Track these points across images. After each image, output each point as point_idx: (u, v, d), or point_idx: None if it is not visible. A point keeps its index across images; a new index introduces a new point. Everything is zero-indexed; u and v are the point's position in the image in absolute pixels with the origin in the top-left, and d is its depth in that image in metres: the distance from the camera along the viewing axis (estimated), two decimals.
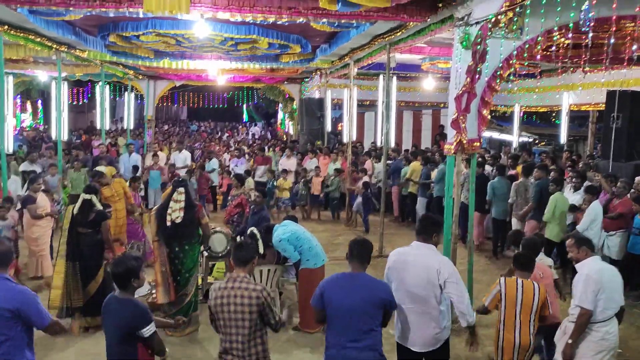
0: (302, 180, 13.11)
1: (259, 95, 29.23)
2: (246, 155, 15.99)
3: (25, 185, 9.60)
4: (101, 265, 6.46)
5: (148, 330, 3.53)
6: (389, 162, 12.32)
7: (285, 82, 20.53)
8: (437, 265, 4.02)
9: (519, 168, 10.54)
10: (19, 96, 21.46)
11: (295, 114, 20.82)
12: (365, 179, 12.30)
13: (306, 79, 19.58)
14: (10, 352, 3.54)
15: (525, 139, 18.30)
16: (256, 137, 29.71)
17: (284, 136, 24.83)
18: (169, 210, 6.23)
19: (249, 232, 6.66)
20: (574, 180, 8.92)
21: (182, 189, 6.32)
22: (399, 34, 8.95)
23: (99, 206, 6.57)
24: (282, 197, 12.68)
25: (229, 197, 8.99)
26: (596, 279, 4.37)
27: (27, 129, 22.53)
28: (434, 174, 11.08)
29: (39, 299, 3.69)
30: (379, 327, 3.85)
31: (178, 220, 6.20)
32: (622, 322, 4.68)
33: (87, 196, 6.51)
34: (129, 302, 3.61)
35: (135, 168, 12.90)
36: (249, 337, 3.73)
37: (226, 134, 29.48)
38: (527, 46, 6.19)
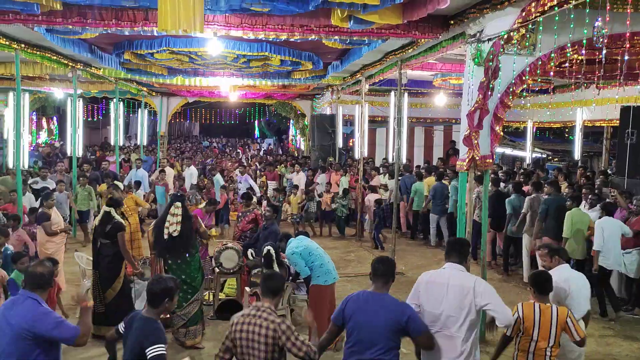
0: (310, 196, 13.11)
1: (270, 111, 29.38)
2: (258, 172, 16.05)
3: (38, 201, 9.68)
4: (118, 276, 6.56)
5: (153, 351, 3.40)
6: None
7: (297, 99, 20.64)
8: (471, 284, 3.92)
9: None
10: (34, 113, 21.76)
11: (307, 130, 20.88)
12: (377, 195, 12.27)
13: (318, 96, 19.66)
14: None
15: (539, 155, 18.18)
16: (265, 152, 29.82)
17: (295, 152, 24.89)
18: (167, 224, 6.39)
19: (265, 250, 6.68)
20: (590, 197, 8.81)
21: (179, 203, 6.51)
22: (410, 50, 8.98)
23: (118, 218, 6.68)
24: (293, 213, 12.68)
25: (239, 214, 9.01)
26: (563, 287, 4.63)
27: (43, 145, 22.78)
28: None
29: (62, 318, 3.59)
30: (397, 349, 3.78)
31: (175, 234, 6.36)
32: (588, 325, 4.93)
33: (107, 208, 6.72)
34: (149, 321, 3.58)
35: (137, 184, 12.80)
36: None
37: (237, 150, 29.63)
38: (540, 62, 6.18)
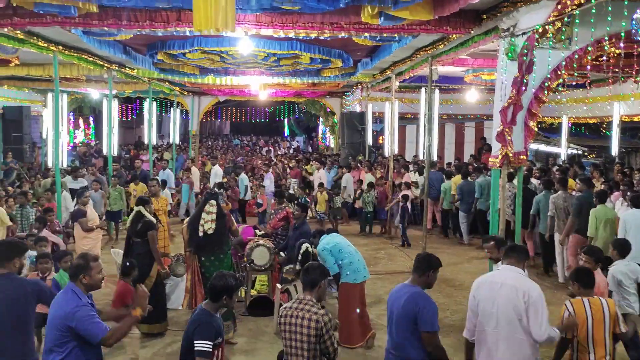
0: (336, 192, 13.13)
1: (300, 109, 29.49)
2: (288, 169, 16.12)
3: (75, 200, 9.92)
4: (149, 274, 6.62)
5: (200, 345, 3.50)
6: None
7: (327, 96, 20.65)
8: (526, 288, 3.87)
9: (572, 182, 10.14)
10: (72, 113, 22.34)
11: (336, 128, 20.88)
12: (406, 192, 12.20)
13: (347, 93, 19.64)
14: None
15: (574, 151, 17.75)
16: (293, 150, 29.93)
17: (325, 150, 24.92)
18: (201, 222, 6.51)
19: (303, 248, 6.72)
20: (628, 194, 8.56)
21: (213, 202, 6.63)
22: (441, 46, 8.88)
23: (149, 217, 6.79)
24: (319, 211, 12.67)
25: (272, 211, 9.10)
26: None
27: (80, 145, 23.39)
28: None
29: (94, 314, 3.65)
30: (416, 341, 3.82)
31: (210, 232, 6.48)
32: None
33: (137, 207, 6.83)
34: (205, 314, 3.69)
35: (164, 183, 12.96)
36: (306, 357, 3.75)
37: (265, 148, 29.80)
38: (576, 56, 6.05)
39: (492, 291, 3.96)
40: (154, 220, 6.90)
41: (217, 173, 14.54)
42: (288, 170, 17.27)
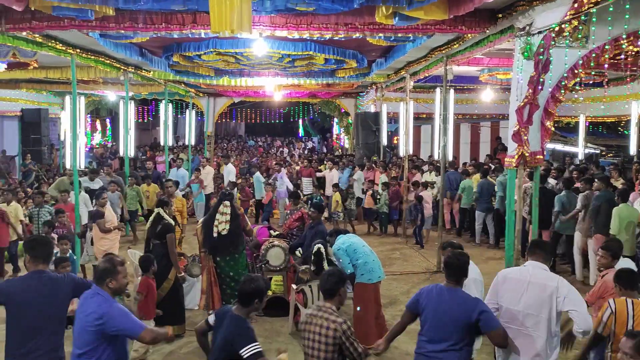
0: (350, 193, 13.12)
1: (314, 110, 29.51)
2: (297, 168, 16.15)
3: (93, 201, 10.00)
4: (167, 277, 6.63)
5: (248, 351, 3.42)
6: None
7: (341, 97, 20.65)
8: (555, 284, 3.89)
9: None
10: (89, 115, 22.63)
11: (351, 128, 20.86)
12: (421, 192, 12.16)
13: (361, 94, 19.62)
14: None
15: (591, 151, 17.54)
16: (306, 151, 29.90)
17: (340, 150, 24.91)
18: (216, 222, 6.54)
19: (315, 248, 6.73)
20: None
21: (227, 202, 6.69)
22: (456, 46, 8.84)
23: (168, 219, 6.81)
24: (335, 211, 12.69)
25: (287, 212, 9.13)
26: None
27: (97, 146, 23.68)
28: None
29: (127, 311, 3.68)
30: (467, 344, 3.82)
31: (224, 232, 6.53)
32: None
33: (157, 209, 6.87)
34: (240, 320, 3.63)
35: (176, 183, 12.86)
36: None
37: (280, 148, 29.85)
38: (593, 55, 5.98)
39: (519, 289, 3.96)
40: (173, 223, 6.94)
41: (230, 171, 14.58)
42: (297, 168, 17.29)
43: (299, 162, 19.52)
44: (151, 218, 6.92)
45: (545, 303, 3.85)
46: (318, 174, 15.05)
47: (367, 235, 12.54)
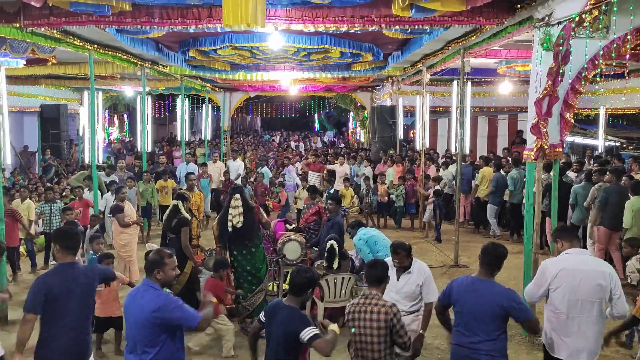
0: (368, 186, 13.08)
1: (330, 104, 29.45)
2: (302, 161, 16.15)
3: (110, 195, 10.06)
4: (183, 270, 6.67)
5: (307, 333, 3.57)
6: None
7: (357, 91, 20.58)
8: (608, 270, 4.00)
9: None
10: (107, 111, 22.85)
11: (367, 122, 20.78)
12: (436, 187, 12.11)
13: (377, 87, 19.52)
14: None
15: (611, 143, 17.25)
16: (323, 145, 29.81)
17: (355, 144, 24.85)
18: (229, 217, 6.53)
19: (328, 245, 6.74)
20: None
21: (237, 195, 6.67)
22: (473, 38, 8.73)
23: (184, 213, 6.88)
24: (344, 206, 12.62)
25: (304, 206, 9.12)
26: None
27: (115, 142, 23.92)
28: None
29: (183, 303, 3.70)
30: (503, 334, 3.86)
31: (239, 225, 6.52)
32: None
33: (175, 202, 6.96)
34: (294, 310, 3.76)
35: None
36: (381, 356, 3.85)
37: (294, 143, 29.79)
38: (614, 45, 5.85)
39: (573, 277, 3.99)
40: (189, 217, 6.99)
41: (239, 166, 14.43)
42: (299, 162, 17.24)
43: (308, 157, 19.46)
44: (167, 211, 7.00)
45: (600, 289, 3.93)
46: (328, 166, 15.01)
47: (382, 230, 12.49)
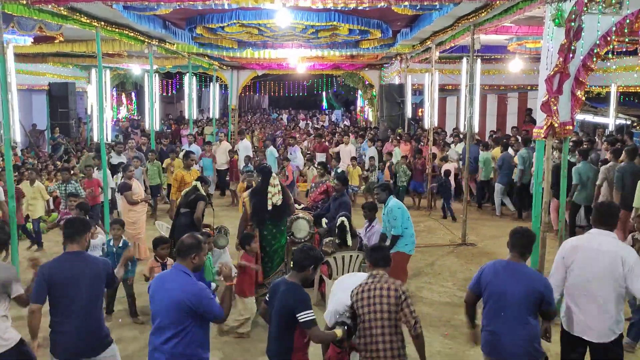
0: (373, 165, 13.06)
1: (338, 82, 29.26)
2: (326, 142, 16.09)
3: (119, 174, 10.07)
4: None
5: (305, 316, 3.63)
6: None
7: (365, 69, 20.42)
8: (624, 253, 3.92)
9: None
10: (114, 89, 22.84)
11: (375, 101, 20.66)
12: (448, 166, 12.08)
13: (386, 65, 19.35)
14: (183, 346, 3.58)
15: (622, 122, 17.06)
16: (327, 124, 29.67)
17: (364, 123, 24.75)
18: (269, 195, 6.56)
19: (339, 221, 6.77)
20: None
21: (274, 174, 6.72)
22: (484, 14, 8.59)
23: (202, 192, 7.11)
24: (352, 185, 12.62)
25: (312, 184, 9.13)
26: None
27: (123, 120, 23.96)
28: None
29: (212, 295, 3.75)
30: (535, 319, 3.83)
31: (279, 203, 6.56)
32: None
33: (195, 182, 7.21)
34: (296, 287, 3.80)
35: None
36: (389, 334, 3.82)
37: (302, 121, 29.67)
38: (627, 21, 5.75)
39: (590, 258, 3.97)
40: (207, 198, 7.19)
41: (246, 147, 14.40)
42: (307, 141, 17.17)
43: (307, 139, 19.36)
44: (187, 189, 7.20)
45: (615, 271, 3.87)
46: (333, 149, 14.95)
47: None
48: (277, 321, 3.76)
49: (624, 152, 8.59)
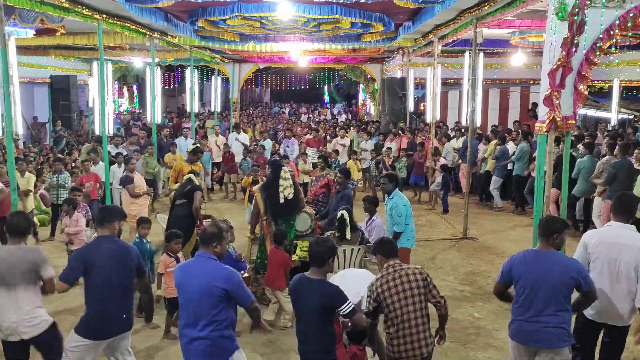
0: (374, 161, 13.05)
1: (340, 76, 29.20)
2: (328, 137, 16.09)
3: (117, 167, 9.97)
4: (189, 239, 6.75)
5: (346, 308, 3.68)
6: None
7: (367, 62, 20.39)
8: None
9: None
10: (116, 82, 22.81)
11: (377, 95, 20.63)
12: (442, 160, 12.10)
13: (388, 59, 19.31)
14: (222, 328, 3.63)
15: (625, 116, 17.01)
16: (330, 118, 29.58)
17: (365, 117, 24.72)
18: (281, 189, 6.53)
19: (339, 215, 6.77)
20: None
21: (286, 168, 6.70)
22: (486, 7, 8.57)
23: (197, 183, 7.15)
24: (351, 179, 12.59)
25: (313, 178, 9.11)
26: None
27: (124, 113, 23.95)
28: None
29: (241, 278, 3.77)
30: (569, 305, 3.85)
31: (290, 197, 6.52)
32: None
33: (189, 175, 7.21)
34: (325, 283, 3.82)
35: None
36: (421, 316, 3.87)
37: (304, 115, 29.62)
38: (631, 15, 5.72)
39: (612, 252, 4.05)
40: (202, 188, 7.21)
41: (245, 138, 14.37)
42: (328, 138, 17.14)
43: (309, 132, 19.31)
44: (181, 182, 7.21)
45: (635, 264, 3.96)
46: (330, 146, 14.87)
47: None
48: (315, 320, 3.74)
49: (617, 147, 8.71)
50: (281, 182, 6.55)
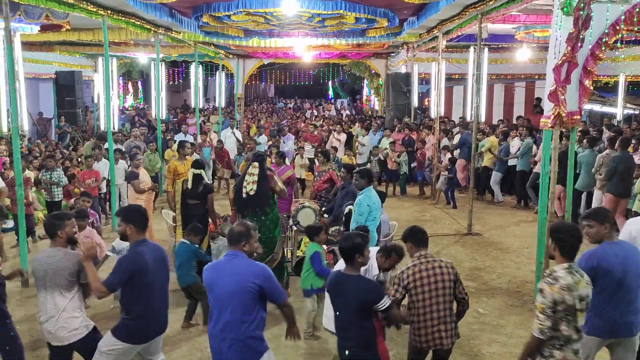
0: (376, 157, 13.06)
1: (344, 71, 29.15)
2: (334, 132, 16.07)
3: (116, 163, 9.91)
4: (204, 237, 6.85)
5: (384, 303, 3.71)
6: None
7: (371, 58, 20.34)
8: None
9: None
10: (121, 78, 22.84)
11: (381, 90, 20.59)
12: (449, 156, 12.09)
13: (392, 54, 19.26)
14: (254, 326, 3.61)
15: (630, 112, 16.93)
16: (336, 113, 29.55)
17: (369, 112, 24.69)
18: (244, 183, 6.55)
19: (346, 210, 6.77)
20: None
21: (256, 163, 6.60)
22: (491, 2, 8.53)
23: (207, 180, 7.17)
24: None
25: (316, 173, 9.12)
26: None
27: (129, 109, 23.99)
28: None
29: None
30: None
31: (252, 193, 6.51)
32: None
33: (197, 171, 7.09)
34: (361, 279, 3.84)
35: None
36: (449, 308, 3.93)
37: (308, 110, 29.58)
38: (637, 10, 5.69)
39: None
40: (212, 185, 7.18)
41: (236, 135, 14.47)
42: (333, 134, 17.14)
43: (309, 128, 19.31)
44: (191, 179, 7.10)
45: None
46: (329, 142, 14.89)
47: (389, 198, 12.54)
48: (354, 317, 3.75)
49: (617, 141, 8.80)
50: (246, 177, 6.57)
